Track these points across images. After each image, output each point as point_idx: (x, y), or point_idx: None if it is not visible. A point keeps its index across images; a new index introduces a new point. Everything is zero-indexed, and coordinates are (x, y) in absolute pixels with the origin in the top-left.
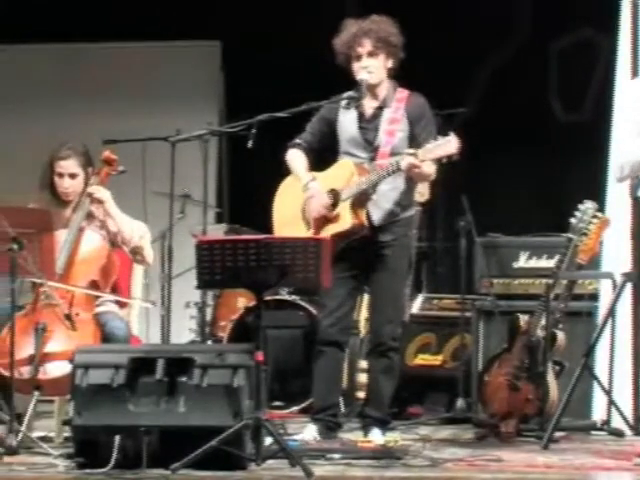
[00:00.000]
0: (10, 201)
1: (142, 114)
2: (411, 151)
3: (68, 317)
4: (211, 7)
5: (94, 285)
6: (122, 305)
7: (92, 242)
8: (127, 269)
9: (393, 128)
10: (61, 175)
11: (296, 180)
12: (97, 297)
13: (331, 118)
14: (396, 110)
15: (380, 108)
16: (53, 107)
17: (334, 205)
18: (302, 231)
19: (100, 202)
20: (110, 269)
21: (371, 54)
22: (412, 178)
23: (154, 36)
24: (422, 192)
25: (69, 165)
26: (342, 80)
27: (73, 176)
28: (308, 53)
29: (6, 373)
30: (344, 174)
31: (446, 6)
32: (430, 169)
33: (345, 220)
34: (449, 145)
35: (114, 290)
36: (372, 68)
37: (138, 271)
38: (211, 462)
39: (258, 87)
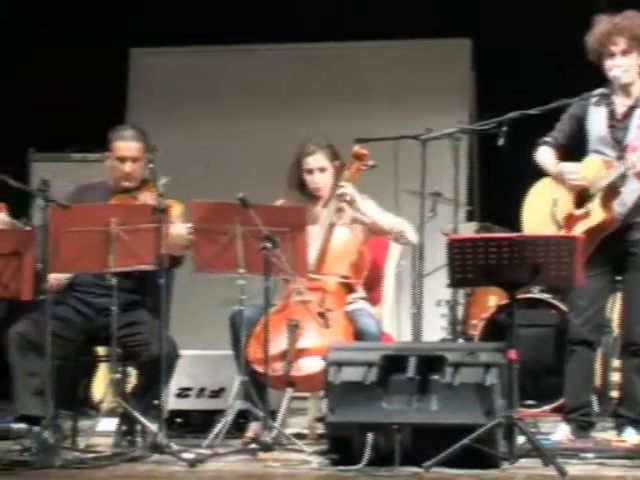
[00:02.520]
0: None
1: (393, 113)
2: None
3: (322, 315)
4: (461, 5)
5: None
6: (374, 303)
7: (343, 238)
8: (379, 263)
9: None
10: (310, 171)
11: (545, 185)
12: (349, 293)
13: (581, 115)
14: None
15: (633, 107)
16: (302, 108)
17: (583, 202)
18: (552, 232)
19: (351, 203)
20: (361, 264)
21: (625, 52)
22: None
23: (405, 34)
24: None
25: (317, 160)
26: (594, 77)
27: (322, 170)
28: (558, 51)
29: (260, 369)
30: (592, 170)
31: None
32: None
33: (596, 215)
34: None
35: (367, 285)
36: (626, 67)
37: (390, 265)
38: (464, 460)
39: (509, 84)
